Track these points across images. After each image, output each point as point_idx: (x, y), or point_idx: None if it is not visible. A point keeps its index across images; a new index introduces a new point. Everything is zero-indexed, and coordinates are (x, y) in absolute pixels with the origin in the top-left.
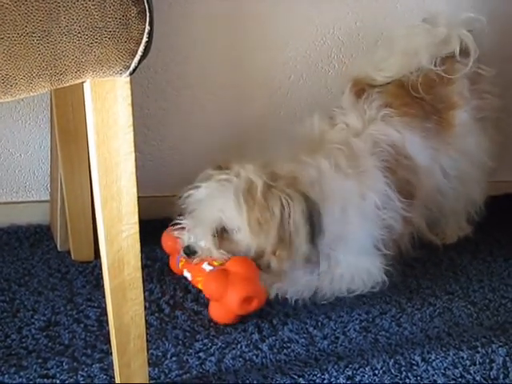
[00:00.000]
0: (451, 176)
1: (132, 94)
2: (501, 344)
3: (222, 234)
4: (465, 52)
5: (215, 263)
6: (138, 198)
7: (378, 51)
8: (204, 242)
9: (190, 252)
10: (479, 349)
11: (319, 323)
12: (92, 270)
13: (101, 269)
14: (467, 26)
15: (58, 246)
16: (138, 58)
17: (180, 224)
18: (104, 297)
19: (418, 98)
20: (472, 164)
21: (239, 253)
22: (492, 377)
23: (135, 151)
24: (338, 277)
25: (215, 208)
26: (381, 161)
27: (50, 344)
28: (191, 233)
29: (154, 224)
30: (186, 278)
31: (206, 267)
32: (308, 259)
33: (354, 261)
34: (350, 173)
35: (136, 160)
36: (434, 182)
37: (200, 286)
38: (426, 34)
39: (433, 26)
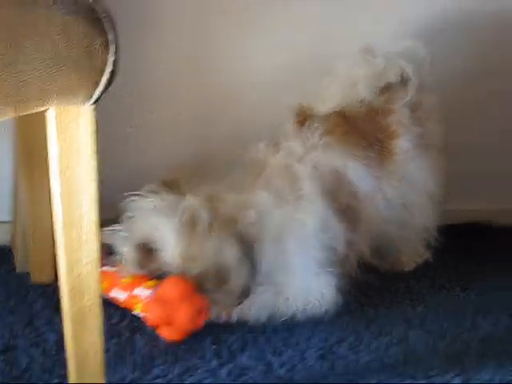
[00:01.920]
0: (395, 204)
1: (96, 122)
2: (456, 373)
3: (146, 250)
4: (404, 82)
5: (149, 283)
6: (101, 220)
7: (321, 81)
8: (126, 250)
9: (111, 251)
10: (435, 378)
11: (277, 350)
12: (52, 292)
13: (60, 292)
14: (406, 55)
15: (18, 267)
16: (101, 87)
17: (113, 228)
18: (63, 320)
19: (359, 127)
20: (417, 192)
21: (158, 272)
22: None
23: (99, 177)
24: (290, 297)
25: (151, 224)
26: (321, 185)
27: (7, 368)
28: (119, 237)
29: None
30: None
31: (141, 292)
32: (245, 294)
33: (300, 283)
34: (290, 198)
35: (100, 184)
36: (377, 210)
37: (138, 310)
38: (365, 65)
39: (371, 55)
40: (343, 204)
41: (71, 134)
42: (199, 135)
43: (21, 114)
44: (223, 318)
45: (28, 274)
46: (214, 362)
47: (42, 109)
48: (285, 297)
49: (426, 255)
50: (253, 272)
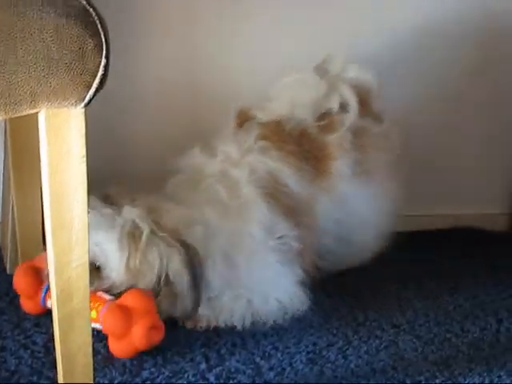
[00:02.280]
0: (330, 218)
1: (86, 125)
2: (444, 379)
3: (92, 268)
4: (345, 108)
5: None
6: None
7: (268, 91)
8: None
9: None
10: (424, 383)
11: (266, 354)
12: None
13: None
14: (354, 80)
15: (8, 268)
16: (93, 90)
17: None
18: (52, 322)
19: (297, 140)
20: (351, 215)
21: (105, 289)
22: None
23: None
24: (248, 302)
25: (91, 241)
26: (259, 187)
27: None
28: None
29: None
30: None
31: (106, 296)
32: (193, 304)
33: (258, 285)
34: (231, 205)
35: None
36: (315, 217)
37: (94, 315)
38: (308, 89)
39: (322, 75)
40: (285, 205)
41: (62, 137)
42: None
43: (11, 117)
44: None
45: None
46: (203, 366)
47: (33, 111)
48: (253, 304)
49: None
50: (199, 282)
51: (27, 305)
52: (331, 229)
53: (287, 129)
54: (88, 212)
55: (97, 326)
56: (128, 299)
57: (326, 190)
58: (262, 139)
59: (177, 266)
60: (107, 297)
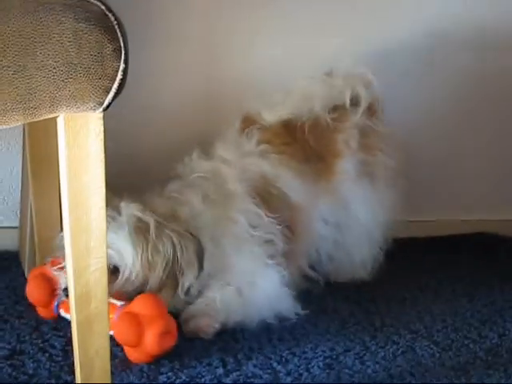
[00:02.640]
0: (329, 222)
1: (105, 130)
2: None
3: None
4: (356, 103)
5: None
6: None
7: (274, 94)
8: None
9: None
10: None
11: (283, 359)
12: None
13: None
14: (362, 80)
15: (26, 272)
16: (112, 94)
17: (58, 263)
18: (70, 325)
19: (302, 140)
20: (351, 217)
21: (119, 291)
22: None
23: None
24: (237, 290)
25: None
26: (247, 185)
27: (13, 373)
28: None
29: None
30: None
31: (117, 302)
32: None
33: (246, 279)
34: (217, 199)
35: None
36: (311, 223)
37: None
38: (322, 84)
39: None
40: (273, 206)
41: (81, 141)
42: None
43: (30, 121)
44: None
45: None
46: (220, 370)
47: (52, 115)
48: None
49: (361, 274)
50: (200, 269)
51: (42, 312)
52: (330, 234)
53: (293, 127)
54: None
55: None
56: (137, 305)
57: (327, 193)
58: (264, 143)
59: (190, 255)
60: (118, 303)
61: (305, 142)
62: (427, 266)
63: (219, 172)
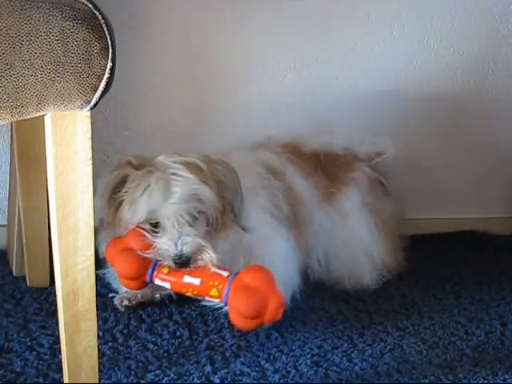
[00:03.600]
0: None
1: (92, 128)
2: (449, 382)
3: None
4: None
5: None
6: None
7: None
8: (192, 244)
9: (183, 262)
10: None
11: (271, 356)
12: (47, 296)
13: (55, 296)
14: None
15: (14, 271)
16: (99, 93)
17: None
18: (58, 324)
19: (317, 158)
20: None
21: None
22: None
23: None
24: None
25: (179, 202)
26: (256, 173)
27: (1, 372)
28: (170, 244)
29: None
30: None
31: (221, 272)
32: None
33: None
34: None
35: (94, 188)
36: (314, 223)
37: (215, 293)
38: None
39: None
40: (281, 196)
41: (68, 140)
42: (195, 138)
43: (17, 119)
44: None
45: (24, 277)
46: (208, 368)
47: (40, 114)
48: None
49: (367, 281)
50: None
51: (130, 285)
52: (324, 242)
53: (312, 150)
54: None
55: (216, 301)
56: (253, 278)
57: (330, 203)
58: (278, 148)
59: (238, 185)
60: (223, 273)
61: (318, 161)
62: (416, 263)
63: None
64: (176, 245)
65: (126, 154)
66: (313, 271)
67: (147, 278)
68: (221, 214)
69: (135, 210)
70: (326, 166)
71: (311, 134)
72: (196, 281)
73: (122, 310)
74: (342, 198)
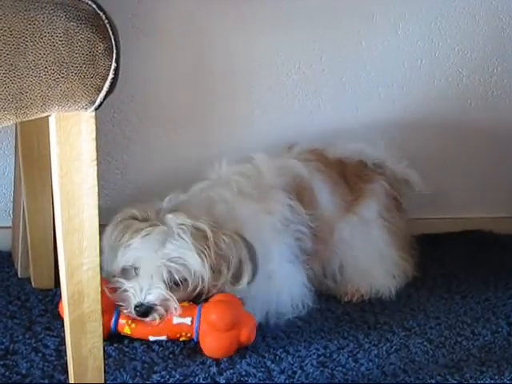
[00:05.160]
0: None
1: (97, 129)
2: (455, 382)
3: (171, 285)
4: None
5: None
6: (101, 225)
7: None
8: (158, 295)
9: (144, 311)
10: None
11: (277, 357)
12: (52, 298)
13: (61, 297)
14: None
15: (19, 272)
16: (103, 93)
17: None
18: (63, 326)
19: (339, 166)
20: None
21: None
22: None
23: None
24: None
25: (160, 261)
26: (284, 181)
27: (7, 373)
28: (137, 289)
29: None
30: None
31: (179, 321)
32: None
33: (280, 270)
34: (251, 193)
35: (99, 189)
36: (335, 234)
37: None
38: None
39: None
40: (307, 206)
41: (73, 140)
42: (198, 139)
43: (22, 120)
44: None
45: (29, 279)
46: (214, 369)
47: (44, 115)
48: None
49: (385, 292)
50: (256, 269)
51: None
52: (344, 252)
53: (336, 159)
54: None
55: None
56: (221, 298)
57: (352, 214)
58: (303, 154)
59: (245, 256)
60: (187, 320)
61: (342, 168)
62: (421, 263)
63: (254, 169)
64: (142, 291)
65: (130, 205)
66: (327, 289)
67: (111, 325)
68: (213, 285)
69: (126, 253)
70: (349, 176)
71: (334, 141)
72: (163, 338)
73: None
74: (362, 208)
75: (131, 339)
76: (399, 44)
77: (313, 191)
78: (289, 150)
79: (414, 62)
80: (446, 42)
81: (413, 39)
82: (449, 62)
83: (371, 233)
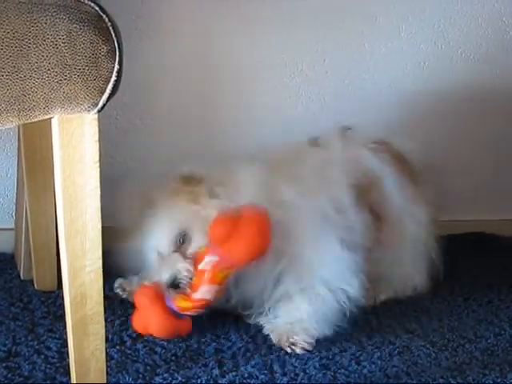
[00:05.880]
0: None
1: (99, 131)
2: None
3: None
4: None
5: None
6: (103, 227)
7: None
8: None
9: (176, 283)
10: None
11: (280, 359)
12: (54, 299)
13: (63, 299)
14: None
15: (22, 274)
16: (106, 95)
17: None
18: (65, 328)
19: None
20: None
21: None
22: None
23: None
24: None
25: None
26: (348, 173)
27: (9, 375)
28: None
29: None
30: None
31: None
32: None
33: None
34: (313, 185)
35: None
36: (394, 231)
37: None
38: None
39: None
40: (368, 203)
41: (75, 143)
42: (202, 139)
43: (25, 122)
44: None
45: (31, 281)
46: (216, 371)
47: (47, 117)
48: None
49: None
50: None
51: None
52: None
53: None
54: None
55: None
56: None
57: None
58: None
59: None
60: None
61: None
62: None
63: (321, 157)
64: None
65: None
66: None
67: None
68: None
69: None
70: (410, 175)
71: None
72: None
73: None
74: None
75: (133, 341)
76: (402, 46)
77: (382, 193)
78: (314, 143)
79: (417, 64)
80: (448, 44)
81: (416, 41)
82: (452, 64)
83: (421, 236)
